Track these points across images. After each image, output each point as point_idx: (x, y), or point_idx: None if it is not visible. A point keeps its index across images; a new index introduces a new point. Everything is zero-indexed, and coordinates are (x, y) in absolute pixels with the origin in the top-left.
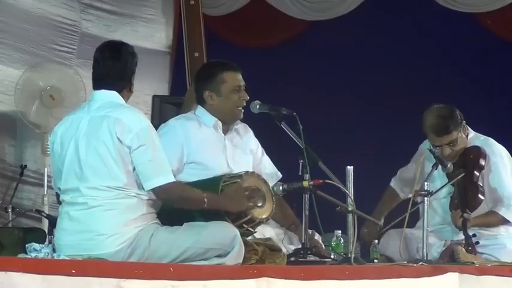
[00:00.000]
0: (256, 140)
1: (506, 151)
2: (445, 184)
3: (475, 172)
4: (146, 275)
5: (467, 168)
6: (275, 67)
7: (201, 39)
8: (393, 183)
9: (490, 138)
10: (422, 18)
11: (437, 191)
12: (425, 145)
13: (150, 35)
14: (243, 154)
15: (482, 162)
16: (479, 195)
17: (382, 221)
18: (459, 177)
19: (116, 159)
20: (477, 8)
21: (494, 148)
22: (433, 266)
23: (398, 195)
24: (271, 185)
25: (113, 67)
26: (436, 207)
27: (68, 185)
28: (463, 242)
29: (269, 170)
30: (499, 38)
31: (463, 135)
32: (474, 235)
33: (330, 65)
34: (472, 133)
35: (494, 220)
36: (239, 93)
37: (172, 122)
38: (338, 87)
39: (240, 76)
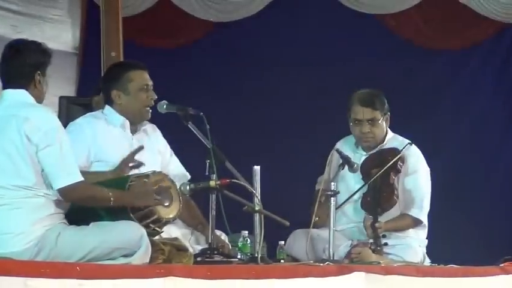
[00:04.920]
0: (165, 140)
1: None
2: (363, 185)
3: (391, 174)
4: (53, 274)
5: (383, 169)
6: (182, 68)
7: (118, 38)
8: (317, 187)
9: (407, 140)
10: (327, 19)
11: (352, 195)
12: (340, 144)
13: (57, 36)
14: (151, 154)
15: (400, 164)
16: (394, 197)
17: (317, 219)
18: (376, 176)
19: (25, 158)
20: (382, 10)
21: (411, 151)
22: (339, 266)
23: None
24: (178, 185)
25: (13, 65)
26: (346, 207)
27: None
28: (371, 242)
29: (178, 171)
30: (402, 39)
31: (384, 127)
32: (384, 235)
33: (236, 66)
34: (390, 134)
35: (405, 223)
36: (147, 92)
37: (79, 120)
38: (244, 87)
39: (147, 75)
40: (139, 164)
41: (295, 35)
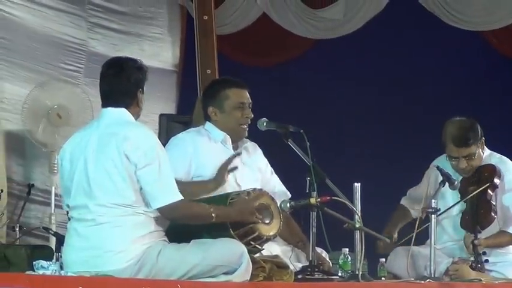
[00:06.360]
0: (265, 159)
1: None
2: (458, 201)
3: (489, 190)
4: None
5: (481, 186)
6: (281, 85)
7: (213, 56)
8: (403, 201)
9: (505, 157)
10: (427, 36)
11: (448, 209)
12: (437, 162)
13: (157, 54)
14: (252, 172)
15: (497, 181)
16: (492, 214)
17: (396, 235)
18: (473, 193)
19: (124, 177)
20: (482, 26)
21: (509, 167)
22: (440, 283)
23: (409, 212)
24: (279, 203)
25: (116, 83)
26: (446, 225)
27: (77, 201)
28: (472, 259)
29: (278, 190)
30: (503, 56)
31: (481, 152)
32: (484, 253)
33: (335, 83)
34: (487, 151)
35: (504, 240)
36: (242, 110)
37: (182, 135)
38: (344, 105)
39: (245, 93)
40: (234, 168)
41: (394, 52)
